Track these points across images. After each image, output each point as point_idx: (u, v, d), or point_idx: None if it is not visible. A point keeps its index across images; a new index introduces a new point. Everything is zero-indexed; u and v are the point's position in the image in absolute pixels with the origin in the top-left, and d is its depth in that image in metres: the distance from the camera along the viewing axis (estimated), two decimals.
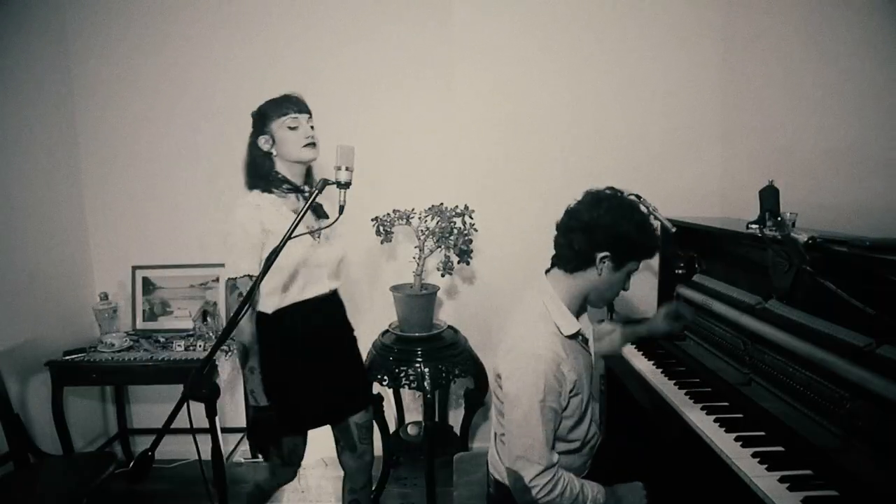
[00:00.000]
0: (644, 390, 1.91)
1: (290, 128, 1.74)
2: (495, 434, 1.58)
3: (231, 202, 1.76)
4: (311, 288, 1.79)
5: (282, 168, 1.78)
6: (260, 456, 1.93)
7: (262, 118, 1.79)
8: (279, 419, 1.75)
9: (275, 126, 1.76)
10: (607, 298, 1.51)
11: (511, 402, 1.35)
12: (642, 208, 1.47)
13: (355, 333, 2.00)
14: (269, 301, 1.75)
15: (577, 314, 1.49)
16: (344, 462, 1.99)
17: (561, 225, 1.47)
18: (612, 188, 1.50)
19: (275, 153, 1.78)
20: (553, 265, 1.51)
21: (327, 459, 2.81)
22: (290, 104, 1.76)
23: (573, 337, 1.45)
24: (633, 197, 1.55)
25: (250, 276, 1.68)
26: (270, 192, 1.76)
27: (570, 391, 1.39)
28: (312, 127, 1.79)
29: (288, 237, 1.45)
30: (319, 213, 1.86)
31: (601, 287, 1.44)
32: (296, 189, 1.80)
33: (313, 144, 1.76)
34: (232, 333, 1.47)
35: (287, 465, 1.92)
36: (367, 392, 2.09)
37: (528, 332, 1.39)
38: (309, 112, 1.80)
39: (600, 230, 1.38)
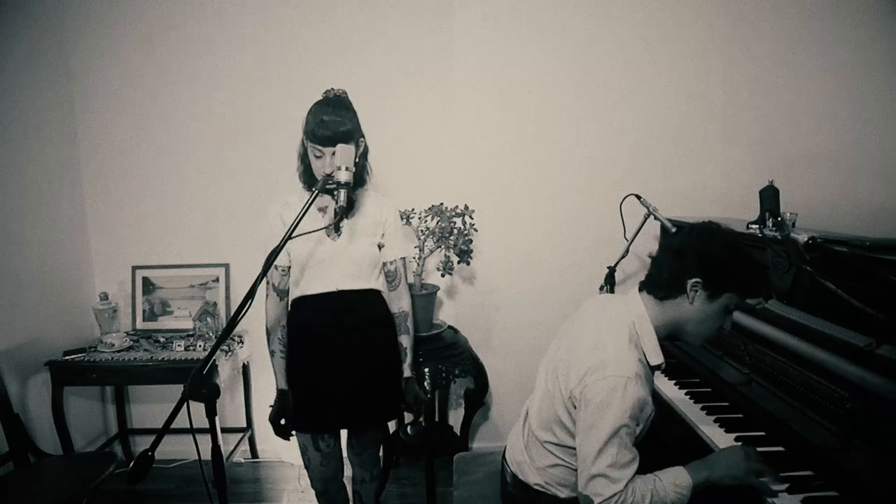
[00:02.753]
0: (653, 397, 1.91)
1: (315, 156, 1.70)
2: (526, 430, 1.52)
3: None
4: (316, 283, 1.80)
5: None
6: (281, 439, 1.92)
7: (304, 123, 1.73)
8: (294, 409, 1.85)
9: (307, 141, 1.72)
10: (703, 334, 1.38)
11: (594, 424, 1.26)
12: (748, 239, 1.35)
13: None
14: (293, 290, 1.86)
15: (663, 343, 1.40)
16: (348, 453, 2.01)
17: (658, 253, 1.43)
18: (711, 221, 1.41)
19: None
20: (643, 287, 1.42)
21: None
22: (315, 137, 1.66)
23: (654, 367, 1.38)
24: (711, 223, 1.41)
25: (275, 267, 1.80)
26: (312, 190, 1.76)
27: (647, 417, 1.33)
28: (341, 167, 1.60)
29: (287, 238, 1.46)
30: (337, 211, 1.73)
31: (695, 319, 1.34)
32: (328, 191, 1.71)
33: (332, 182, 1.60)
34: (232, 333, 1.48)
35: (303, 455, 1.92)
36: (375, 410, 1.89)
37: (618, 353, 1.30)
38: (344, 141, 1.64)
39: (689, 253, 1.32)
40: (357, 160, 1.73)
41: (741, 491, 1.30)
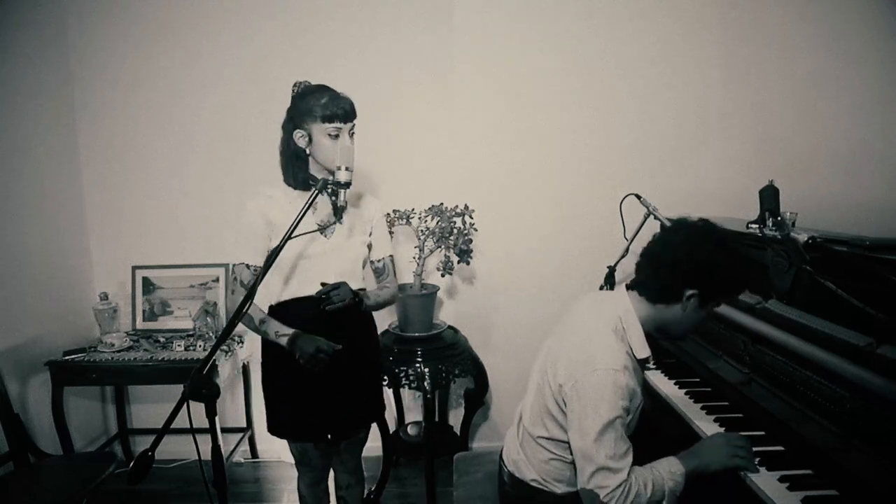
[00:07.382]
0: (643, 390, 1.91)
1: (332, 135, 1.61)
2: (521, 429, 1.53)
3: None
4: (308, 286, 1.69)
5: (314, 169, 1.68)
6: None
7: (303, 112, 1.62)
8: (268, 419, 1.82)
9: (315, 128, 1.62)
10: (688, 331, 1.47)
11: (588, 418, 1.27)
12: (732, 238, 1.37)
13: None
14: (273, 292, 1.75)
15: (649, 338, 1.43)
16: (332, 461, 1.96)
17: (648, 253, 1.40)
18: (703, 220, 1.40)
19: (309, 152, 1.66)
20: (633, 287, 1.43)
21: None
22: (336, 109, 1.59)
23: (642, 361, 1.41)
24: (702, 221, 1.41)
25: (247, 265, 1.70)
26: (310, 186, 1.66)
27: (636, 407, 1.36)
28: (353, 134, 1.66)
29: (287, 237, 1.45)
30: (337, 209, 1.67)
31: (684, 322, 1.39)
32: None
33: (350, 170, 1.55)
34: (232, 333, 1.47)
35: (300, 464, 1.88)
36: (360, 418, 1.87)
37: (606, 347, 1.33)
38: (354, 117, 1.66)
39: (686, 262, 1.31)
40: None
41: (727, 477, 1.33)
